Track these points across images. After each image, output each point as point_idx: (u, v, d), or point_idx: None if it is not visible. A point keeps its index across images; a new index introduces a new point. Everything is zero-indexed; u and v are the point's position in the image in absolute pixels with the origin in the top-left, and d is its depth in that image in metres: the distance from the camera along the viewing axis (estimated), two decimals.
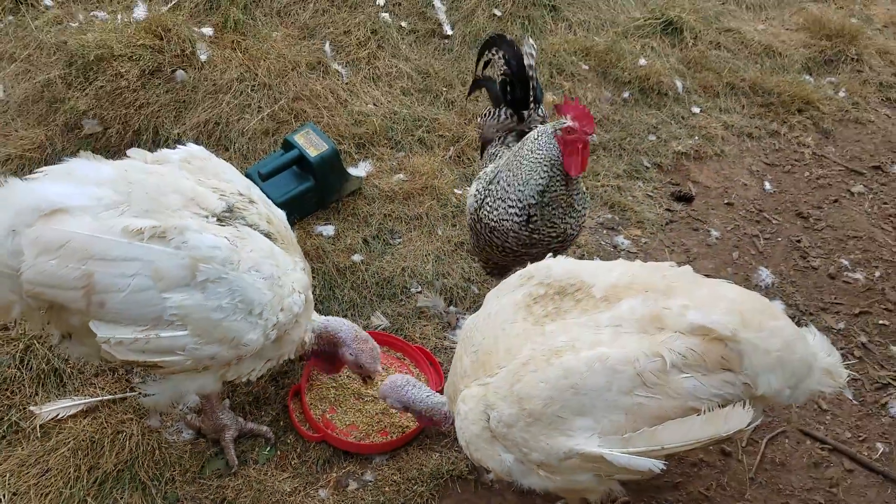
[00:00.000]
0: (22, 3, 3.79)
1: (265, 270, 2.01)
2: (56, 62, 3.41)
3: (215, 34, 3.85)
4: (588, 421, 1.86)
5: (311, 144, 3.07)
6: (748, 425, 1.88)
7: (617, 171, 3.86)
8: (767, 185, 3.97)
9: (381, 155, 3.62)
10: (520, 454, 1.96)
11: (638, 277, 2.06)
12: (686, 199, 3.82)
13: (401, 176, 3.53)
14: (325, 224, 3.25)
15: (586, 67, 4.50)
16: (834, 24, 5.08)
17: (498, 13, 4.56)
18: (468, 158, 3.75)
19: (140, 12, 3.80)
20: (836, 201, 3.93)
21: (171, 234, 1.89)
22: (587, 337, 1.92)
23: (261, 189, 2.36)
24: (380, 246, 3.20)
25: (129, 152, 2.26)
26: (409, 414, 2.44)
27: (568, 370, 1.86)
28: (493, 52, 2.81)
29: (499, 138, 2.80)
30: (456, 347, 2.24)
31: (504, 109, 2.81)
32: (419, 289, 3.02)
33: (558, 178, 2.36)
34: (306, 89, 3.72)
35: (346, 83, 3.91)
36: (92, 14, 3.80)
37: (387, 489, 2.37)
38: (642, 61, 4.53)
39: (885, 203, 3.94)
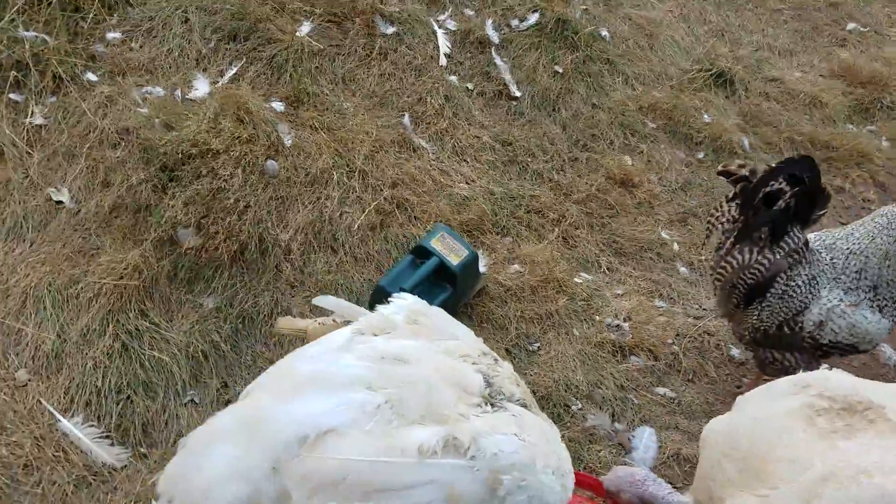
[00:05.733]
0: (61, 80, 3.26)
1: (552, 463, 1.68)
2: (129, 159, 2.93)
3: (287, 109, 3.46)
4: None
5: (451, 251, 2.78)
6: None
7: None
8: None
9: (490, 244, 3.36)
10: None
11: None
12: None
13: (516, 266, 3.29)
14: None
15: (654, 126, 4.40)
16: (865, 71, 5.22)
17: (559, 70, 4.39)
18: (573, 238, 3.56)
19: (202, 87, 3.37)
20: None
21: (465, 442, 1.51)
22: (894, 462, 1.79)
23: None
24: (523, 356, 2.95)
25: (316, 301, 1.87)
26: None
27: (885, 493, 1.72)
28: (779, 180, 2.51)
29: (790, 264, 2.58)
30: (701, 450, 2.07)
31: (796, 230, 2.59)
32: (579, 405, 2.80)
33: None
34: (401, 172, 3.41)
35: (435, 159, 3.62)
36: (146, 91, 3.32)
37: None
38: (706, 117, 4.48)
39: None
